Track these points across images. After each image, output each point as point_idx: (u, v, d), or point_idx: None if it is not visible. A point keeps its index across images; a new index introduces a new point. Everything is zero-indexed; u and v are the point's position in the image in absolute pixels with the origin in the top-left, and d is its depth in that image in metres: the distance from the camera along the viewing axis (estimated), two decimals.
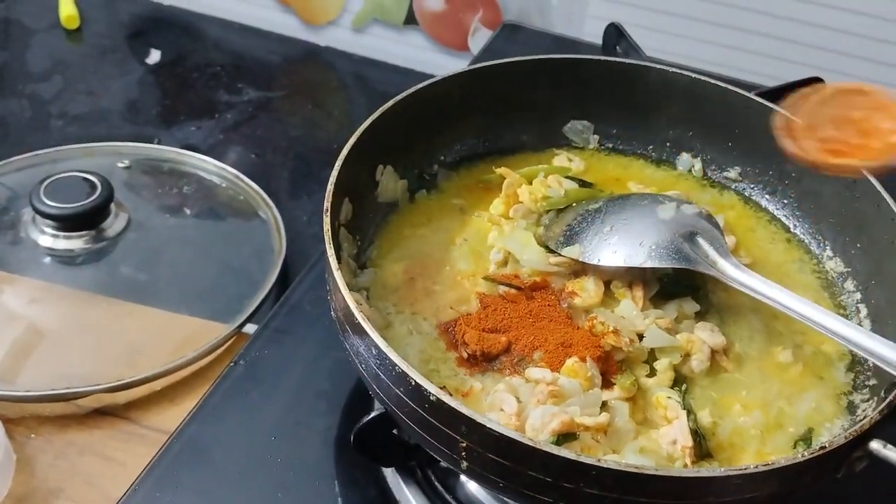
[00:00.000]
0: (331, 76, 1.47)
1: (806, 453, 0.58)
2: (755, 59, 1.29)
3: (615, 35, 1.10)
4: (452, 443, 0.60)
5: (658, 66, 0.90)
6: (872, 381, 0.73)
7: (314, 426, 0.79)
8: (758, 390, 0.73)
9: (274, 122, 1.32)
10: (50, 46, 1.44)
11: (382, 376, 0.62)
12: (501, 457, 0.58)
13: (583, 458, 0.55)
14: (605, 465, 0.55)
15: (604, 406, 0.67)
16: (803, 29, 1.25)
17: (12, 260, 1.03)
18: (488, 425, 0.57)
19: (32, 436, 0.88)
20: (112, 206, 1.05)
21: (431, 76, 0.86)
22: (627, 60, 0.93)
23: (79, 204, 1.01)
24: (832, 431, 0.70)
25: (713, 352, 0.73)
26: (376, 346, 0.61)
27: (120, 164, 1.16)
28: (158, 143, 1.24)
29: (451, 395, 0.59)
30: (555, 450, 0.56)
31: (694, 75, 0.89)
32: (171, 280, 1.04)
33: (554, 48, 1.31)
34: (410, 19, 1.42)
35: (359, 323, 0.62)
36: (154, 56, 1.42)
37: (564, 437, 0.64)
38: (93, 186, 1.03)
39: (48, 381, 0.90)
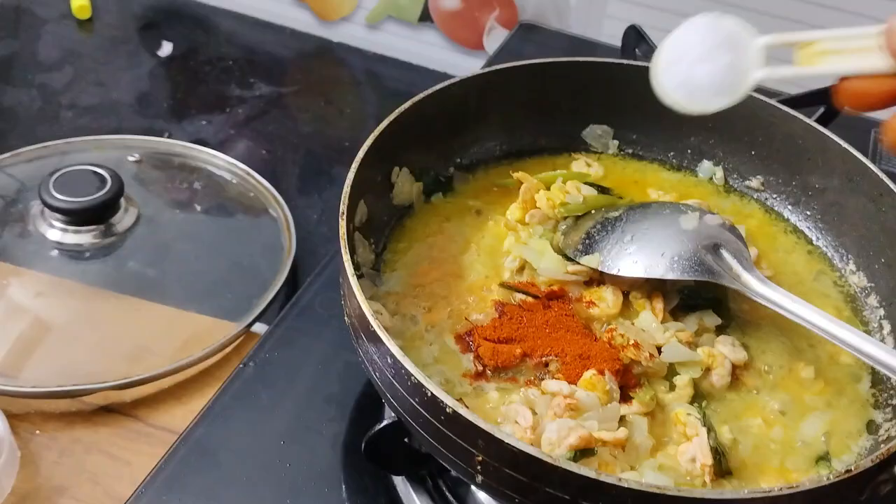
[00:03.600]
0: (343, 73, 1.45)
1: (832, 476, 0.56)
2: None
3: (634, 37, 1.09)
4: (468, 456, 0.58)
5: None
6: (895, 401, 0.71)
7: (324, 431, 0.78)
8: (779, 406, 0.71)
9: (285, 118, 1.31)
10: (61, 37, 1.42)
11: (397, 385, 0.61)
12: (518, 472, 0.57)
13: (603, 477, 0.54)
14: (627, 486, 0.54)
15: (622, 421, 0.66)
16: None
17: (20, 253, 1.01)
18: (506, 440, 0.55)
19: (37, 432, 0.87)
20: (122, 200, 1.04)
21: (445, 75, 0.85)
22: (647, 64, 0.91)
23: (88, 198, 1.00)
24: (854, 451, 0.69)
25: (734, 367, 0.71)
26: (391, 355, 0.60)
27: (130, 158, 1.15)
28: (168, 136, 1.23)
29: (467, 407, 0.57)
30: (574, 468, 0.54)
31: None
32: (179, 276, 1.03)
33: (571, 49, 1.30)
34: (425, 17, 1.40)
35: (374, 330, 0.61)
36: (166, 48, 1.41)
37: (582, 452, 0.62)
38: (102, 180, 1.02)
39: (54, 377, 0.88)
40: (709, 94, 0.62)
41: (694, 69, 0.62)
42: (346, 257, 0.65)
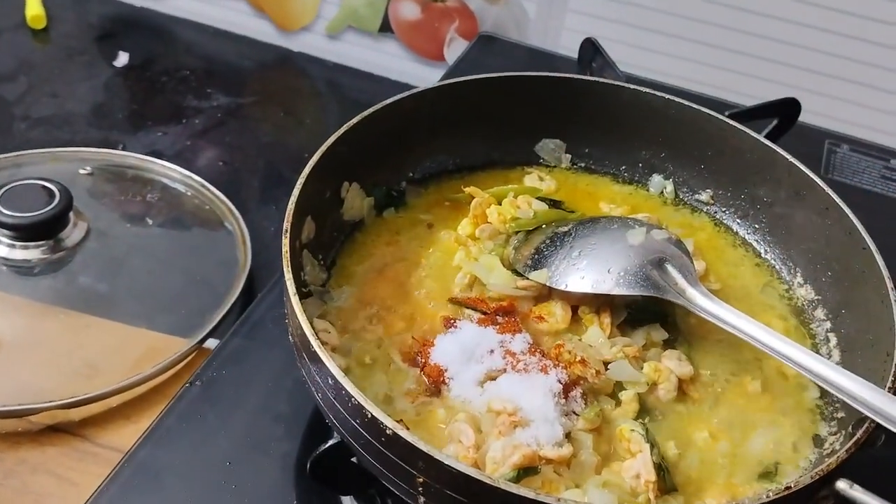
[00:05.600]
0: (303, 83, 1.44)
1: (771, 493, 0.57)
2: (733, 77, 1.28)
3: (591, 51, 1.09)
4: (409, 477, 0.58)
5: (631, 87, 0.89)
6: (840, 414, 0.72)
7: (272, 451, 0.77)
8: (725, 420, 0.71)
9: (244, 129, 1.29)
10: (15, 47, 1.40)
11: (338, 406, 0.60)
12: (459, 493, 0.56)
13: (542, 498, 0.54)
14: None
15: (567, 437, 0.66)
16: (780, 48, 1.25)
17: None
18: (445, 461, 0.55)
19: None
20: (71, 215, 1.02)
21: (406, 85, 0.85)
22: (601, 80, 0.91)
23: (35, 213, 0.98)
24: (800, 465, 0.69)
25: (680, 381, 0.72)
26: (332, 376, 0.59)
27: (82, 171, 1.13)
28: (123, 148, 1.21)
29: (407, 428, 0.57)
30: (514, 488, 0.54)
31: (668, 97, 0.88)
32: (131, 292, 1.01)
33: (530, 61, 1.30)
34: (386, 27, 1.40)
35: (315, 351, 0.60)
36: (122, 59, 1.39)
37: (525, 470, 0.62)
38: (51, 195, 1.00)
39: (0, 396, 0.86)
40: None
41: None
42: (288, 276, 0.65)
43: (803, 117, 1.00)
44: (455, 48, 1.37)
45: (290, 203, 0.70)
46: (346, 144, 0.78)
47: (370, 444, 0.59)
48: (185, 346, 0.94)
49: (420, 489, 0.58)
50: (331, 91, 1.43)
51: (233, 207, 1.10)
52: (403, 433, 0.56)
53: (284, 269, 0.65)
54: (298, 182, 0.72)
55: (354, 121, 0.79)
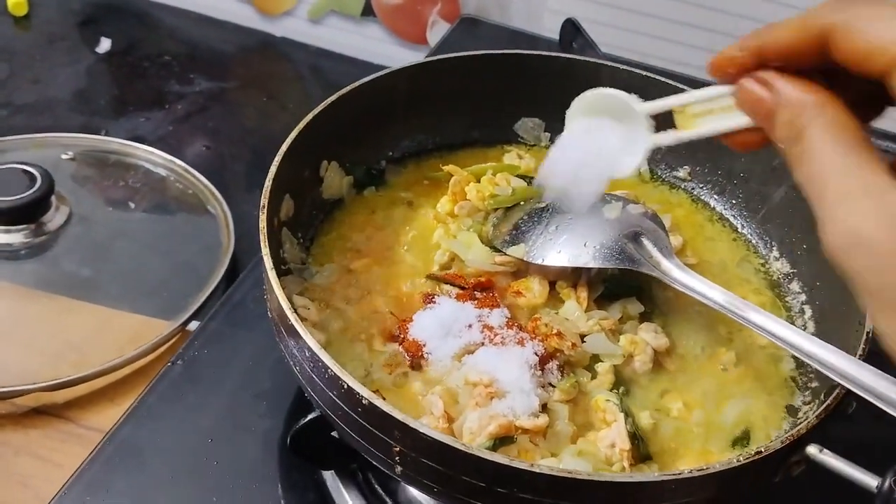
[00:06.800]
0: (286, 67, 1.44)
1: (741, 458, 0.57)
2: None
3: (572, 31, 1.10)
4: (386, 447, 0.59)
5: (609, 65, 0.89)
6: (814, 384, 0.73)
7: (254, 428, 0.77)
8: (700, 391, 0.72)
9: (226, 114, 1.29)
10: None
11: (316, 379, 0.61)
12: (435, 462, 0.57)
13: (515, 463, 0.54)
14: (538, 470, 0.54)
15: (543, 408, 0.67)
16: (759, 27, 1.25)
17: None
18: (421, 430, 0.55)
19: None
20: (53, 199, 1.02)
21: (389, 69, 0.85)
22: (577, 57, 0.92)
23: (17, 197, 0.98)
24: (773, 433, 0.70)
25: (656, 353, 0.72)
26: (309, 349, 0.60)
27: (64, 156, 1.13)
28: (106, 134, 1.21)
29: (384, 398, 0.57)
30: (487, 454, 0.55)
31: (645, 73, 0.88)
32: (114, 276, 1.01)
33: (512, 42, 1.30)
34: (368, 11, 1.40)
35: (292, 325, 0.61)
36: (104, 45, 1.39)
37: (502, 440, 0.63)
38: (32, 179, 1.00)
39: None
40: (598, 184, 0.64)
41: (579, 174, 0.64)
42: (265, 251, 0.65)
43: None
44: (438, 31, 1.37)
45: (266, 180, 0.70)
46: (324, 123, 0.78)
47: (347, 415, 0.59)
48: (168, 329, 0.94)
49: (397, 458, 0.58)
50: (314, 75, 1.43)
51: (216, 191, 1.11)
52: (379, 402, 0.56)
53: (262, 245, 0.65)
54: (276, 160, 0.72)
55: (331, 99, 0.79)
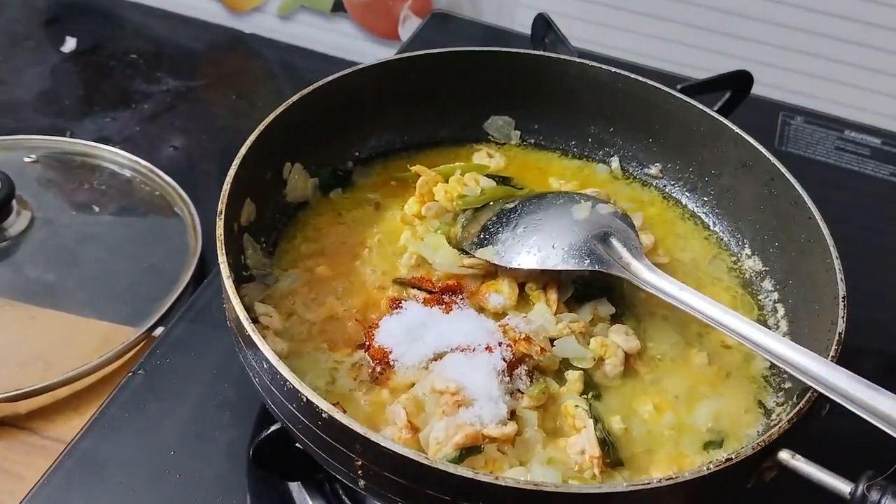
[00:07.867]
0: (256, 64, 1.42)
1: (712, 465, 0.56)
2: (686, 51, 1.28)
3: (543, 26, 1.08)
4: (348, 461, 0.57)
5: (579, 61, 0.88)
6: (788, 384, 0.72)
7: (218, 439, 0.75)
8: (672, 392, 0.71)
9: (195, 113, 1.27)
10: None
11: (275, 391, 0.59)
12: (398, 475, 0.55)
13: (480, 477, 0.53)
14: (503, 483, 0.53)
15: (512, 416, 0.65)
16: (733, 20, 1.24)
17: None
18: (382, 443, 0.54)
19: None
20: (14, 203, 1.00)
21: (354, 67, 0.83)
22: (548, 55, 0.90)
23: None
24: (747, 433, 0.69)
25: (627, 356, 0.71)
26: (267, 360, 0.58)
27: (27, 159, 1.11)
28: (70, 135, 1.18)
29: (344, 410, 0.56)
30: (450, 468, 0.53)
31: (615, 70, 0.87)
32: (78, 282, 0.99)
33: (484, 38, 1.29)
34: (338, 7, 1.38)
35: (249, 336, 0.59)
36: (70, 44, 1.36)
37: (468, 450, 0.61)
38: None
39: None
40: None
41: None
42: (222, 259, 0.63)
43: (757, 90, 0.99)
44: (409, 26, 1.35)
45: (224, 184, 0.68)
46: (286, 124, 0.76)
47: (308, 429, 0.58)
48: (134, 335, 0.92)
49: (360, 472, 0.57)
50: (284, 72, 1.41)
51: (183, 193, 1.08)
52: (339, 416, 0.55)
53: (218, 252, 0.63)
54: (234, 163, 0.70)
55: (293, 99, 0.77)
